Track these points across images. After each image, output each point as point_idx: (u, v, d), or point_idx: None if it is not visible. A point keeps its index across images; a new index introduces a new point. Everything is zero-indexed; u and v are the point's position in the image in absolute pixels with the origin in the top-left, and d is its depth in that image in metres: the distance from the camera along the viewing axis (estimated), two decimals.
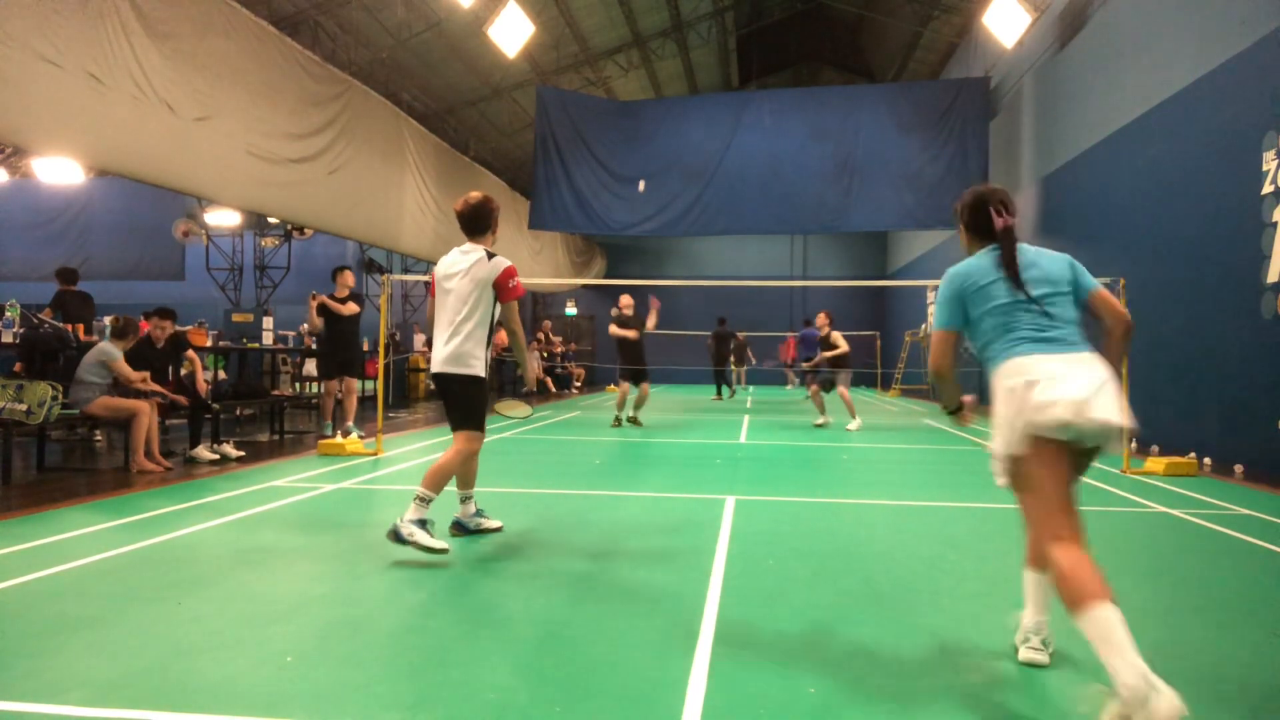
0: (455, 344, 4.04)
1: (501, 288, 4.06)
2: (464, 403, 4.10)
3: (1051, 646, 2.71)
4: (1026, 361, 2.48)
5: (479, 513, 4.52)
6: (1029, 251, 2.67)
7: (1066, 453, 2.40)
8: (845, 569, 3.83)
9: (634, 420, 11.29)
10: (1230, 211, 7.73)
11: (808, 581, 3.61)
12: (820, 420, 11.50)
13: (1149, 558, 4.15)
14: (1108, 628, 2.08)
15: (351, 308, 8.80)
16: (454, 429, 4.13)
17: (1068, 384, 2.37)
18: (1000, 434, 2.51)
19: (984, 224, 2.73)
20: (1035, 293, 2.56)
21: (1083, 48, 11.64)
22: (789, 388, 24.74)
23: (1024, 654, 2.68)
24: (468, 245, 4.18)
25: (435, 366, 4.12)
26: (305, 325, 12.95)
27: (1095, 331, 2.69)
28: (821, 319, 11.72)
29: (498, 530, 4.53)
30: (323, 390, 9.19)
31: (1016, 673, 2.58)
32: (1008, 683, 2.50)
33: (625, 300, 11.71)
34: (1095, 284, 2.67)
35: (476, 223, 4.18)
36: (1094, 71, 11.18)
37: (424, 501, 3.89)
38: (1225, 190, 7.85)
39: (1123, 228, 10.11)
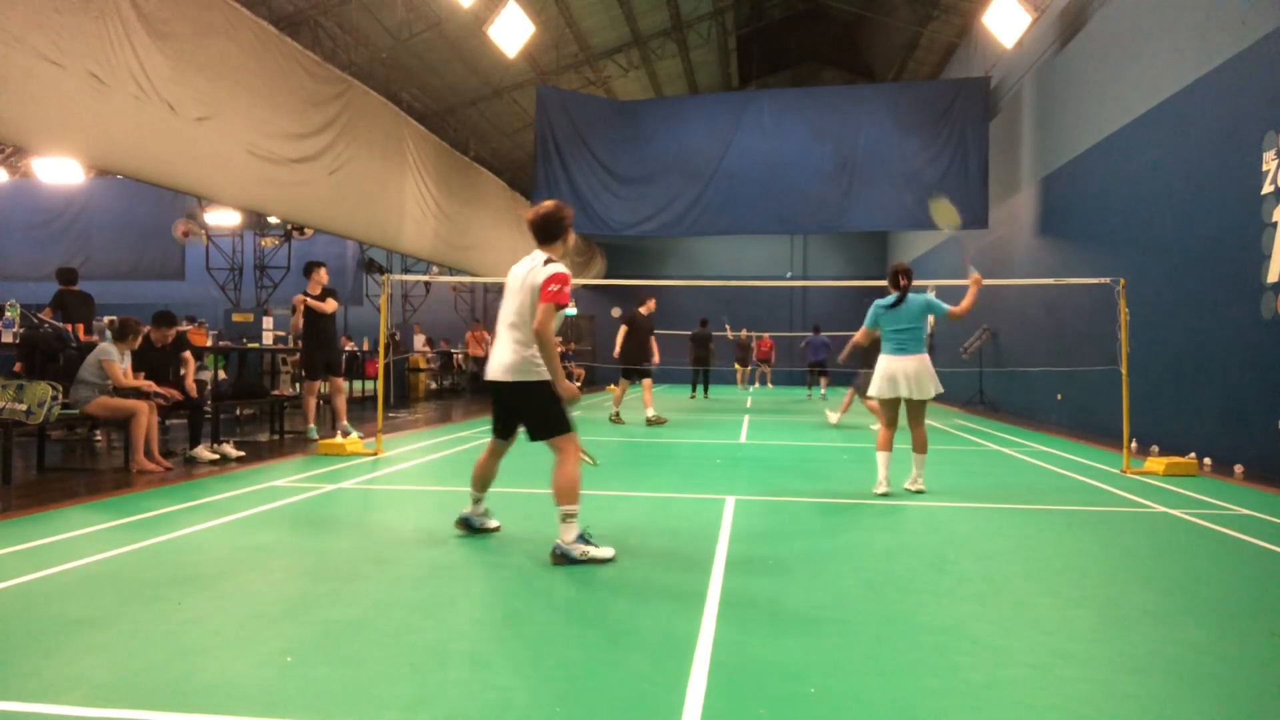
0: (513, 351, 3.97)
1: (542, 289, 3.90)
2: (542, 411, 4.01)
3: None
4: (887, 358, 5.92)
5: (486, 513, 4.55)
6: (910, 299, 5.94)
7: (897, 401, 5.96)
8: (845, 569, 3.83)
9: (617, 418, 11.53)
10: (1230, 211, 7.73)
11: (808, 581, 3.61)
12: (875, 425, 11.55)
13: (1149, 558, 4.15)
14: (882, 460, 5.91)
15: (332, 305, 8.64)
16: (546, 439, 4.01)
17: (898, 375, 5.84)
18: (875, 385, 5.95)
19: (894, 283, 6.01)
20: (902, 326, 5.94)
21: (1083, 48, 11.64)
22: (770, 386, 24.89)
23: (892, 487, 5.82)
24: (535, 253, 4.11)
25: (492, 375, 4.04)
26: (289, 328, 12.96)
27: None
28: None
29: (496, 530, 4.54)
30: (303, 391, 8.93)
31: (1017, 673, 2.58)
32: (1008, 683, 2.50)
33: (652, 304, 11.77)
34: (944, 310, 6.01)
35: (545, 231, 4.11)
36: (1094, 71, 11.18)
37: (571, 518, 3.88)
38: (1225, 190, 7.85)
39: (1123, 228, 10.11)
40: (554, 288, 3.89)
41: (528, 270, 4.04)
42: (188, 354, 7.77)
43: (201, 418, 7.45)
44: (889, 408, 5.99)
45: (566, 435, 4.02)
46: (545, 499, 5.61)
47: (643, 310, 11.76)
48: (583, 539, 3.91)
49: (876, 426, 11.41)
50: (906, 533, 4.66)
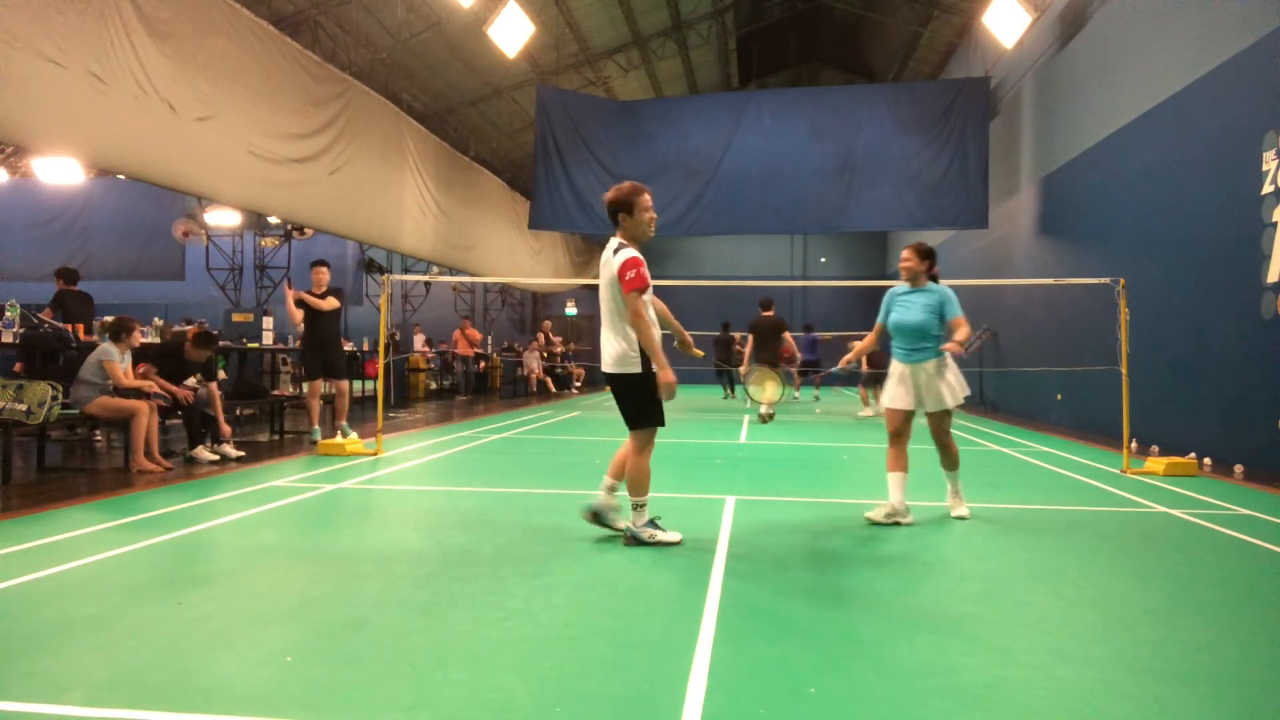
0: (610, 342, 4.11)
1: (620, 279, 3.98)
2: (627, 402, 4.12)
3: (911, 516, 4.85)
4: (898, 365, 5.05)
5: (653, 522, 4.27)
6: None
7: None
8: (845, 569, 3.83)
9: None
10: (1230, 211, 7.73)
11: (808, 582, 3.61)
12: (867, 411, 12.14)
13: (1149, 558, 4.15)
14: (895, 482, 4.83)
15: (331, 303, 8.41)
16: (630, 428, 4.16)
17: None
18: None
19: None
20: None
21: (1083, 48, 11.64)
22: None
23: (907, 519, 4.83)
24: (612, 239, 4.23)
25: (603, 366, 4.23)
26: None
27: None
28: None
29: (677, 544, 4.22)
30: (307, 392, 8.75)
31: (1017, 673, 2.58)
32: (1008, 682, 2.50)
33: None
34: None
35: (612, 214, 4.21)
36: (1094, 71, 11.18)
37: (641, 508, 4.13)
38: (1225, 190, 7.84)
39: (1123, 228, 10.11)
40: (630, 275, 3.96)
41: (605, 260, 4.15)
42: (213, 386, 7.69)
43: (197, 418, 7.40)
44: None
45: (649, 430, 4.15)
46: (549, 499, 5.63)
47: (769, 314, 11.93)
48: (652, 524, 4.13)
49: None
50: (906, 532, 4.66)
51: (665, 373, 4.03)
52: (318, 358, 8.45)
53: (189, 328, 10.66)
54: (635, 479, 4.12)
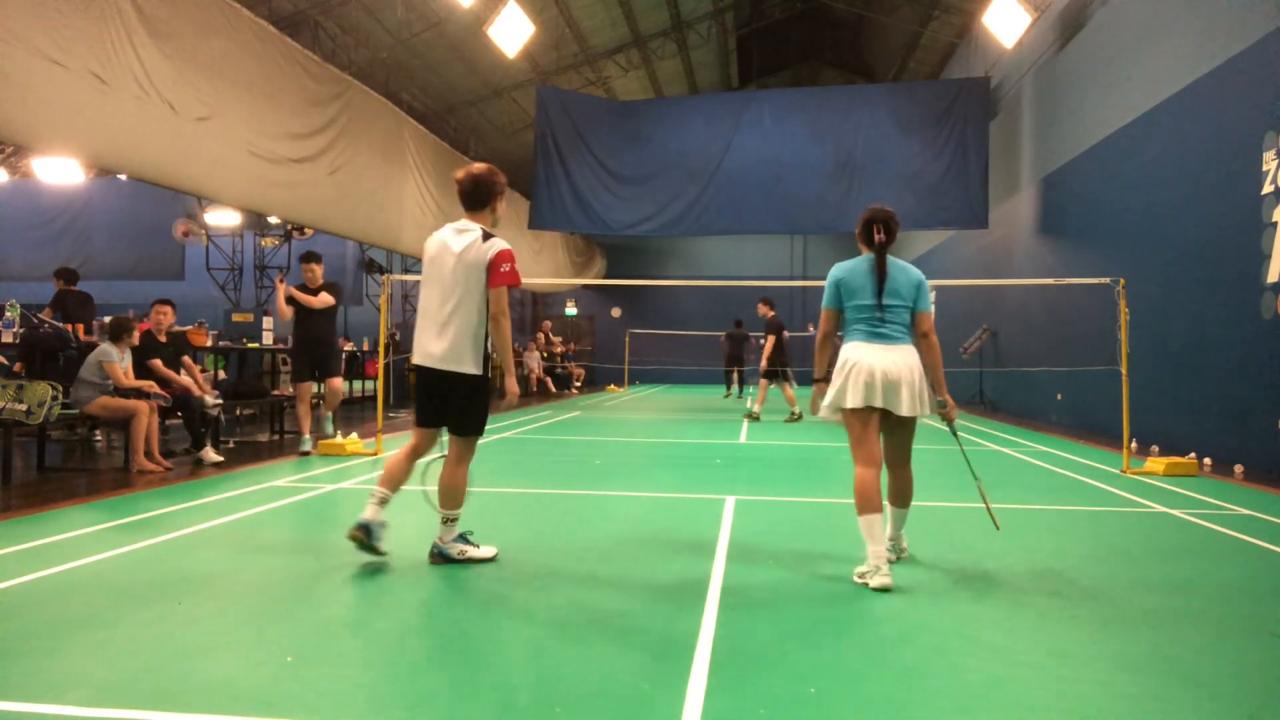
0: (451, 337, 3.66)
1: (492, 270, 3.61)
2: (469, 406, 3.75)
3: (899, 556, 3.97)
4: (854, 347, 3.66)
5: (463, 537, 3.91)
6: (894, 266, 3.75)
7: (872, 413, 3.62)
8: (845, 570, 3.83)
9: (755, 416, 12.19)
10: (1230, 211, 7.73)
11: (807, 582, 3.61)
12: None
13: (1149, 558, 4.15)
14: (870, 526, 3.49)
15: (323, 299, 7.81)
16: (455, 433, 3.79)
17: (872, 368, 3.57)
18: (833, 391, 3.68)
19: (868, 237, 3.80)
20: (885, 302, 3.69)
21: (1083, 48, 11.64)
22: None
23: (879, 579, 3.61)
24: (463, 222, 3.78)
25: (423, 359, 3.72)
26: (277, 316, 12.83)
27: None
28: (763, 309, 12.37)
29: (491, 560, 3.88)
30: (296, 395, 8.10)
31: (1017, 673, 2.58)
32: (1008, 682, 2.50)
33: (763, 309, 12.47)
34: (926, 308, 3.79)
35: (476, 196, 3.78)
36: (1094, 71, 11.18)
37: (452, 521, 3.80)
38: (1225, 190, 7.84)
39: (1123, 228, 10.11)
40: (505, 268, 3.62)
41: (464, 244, 3.69)
42: (187, 358, 7.75)
43: (197, 418, 7.39)
44: (866, 425, 3.64)
45: (474, 439, 3.85)
46: (549, 499, 5.62)
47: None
48: (463, 539, 3.83)
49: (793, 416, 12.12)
50: (906, 532, 4.65)
51: (512, 381, 3.82)
52: (306, 357, 7.91)
53: (187, 327, 10.65)
54: (452, 490, 3.73)
